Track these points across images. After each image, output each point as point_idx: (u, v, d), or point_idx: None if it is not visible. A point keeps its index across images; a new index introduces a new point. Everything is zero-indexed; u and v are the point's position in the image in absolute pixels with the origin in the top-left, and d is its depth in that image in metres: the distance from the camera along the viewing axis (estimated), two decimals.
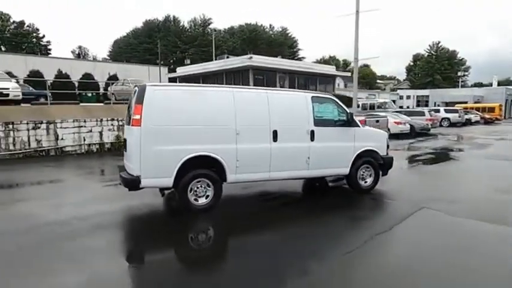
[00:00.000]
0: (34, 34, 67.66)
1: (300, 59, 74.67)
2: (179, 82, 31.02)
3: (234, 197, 6.77)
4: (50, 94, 16.36)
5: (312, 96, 6.62)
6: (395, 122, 19.52)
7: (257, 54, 36.98)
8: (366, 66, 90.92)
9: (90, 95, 22.92)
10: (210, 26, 70.80)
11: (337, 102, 6.85)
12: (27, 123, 11.58)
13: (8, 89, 13.14)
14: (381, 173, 7.23)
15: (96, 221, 5.34)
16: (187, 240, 4.87)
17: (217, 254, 4.50)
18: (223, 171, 5.79)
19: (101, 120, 13.10)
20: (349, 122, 6.78)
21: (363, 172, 7.06)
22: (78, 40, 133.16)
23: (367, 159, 7.05)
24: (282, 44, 73.21)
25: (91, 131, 12.81)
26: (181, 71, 32.84)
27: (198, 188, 5.67)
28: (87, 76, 30.94)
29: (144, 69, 48.48)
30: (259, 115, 6.05)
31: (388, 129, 19.18)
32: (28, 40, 66.33)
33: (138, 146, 5.29)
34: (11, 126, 11.31)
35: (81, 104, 16.04)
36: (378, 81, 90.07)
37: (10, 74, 30.83)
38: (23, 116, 11.77)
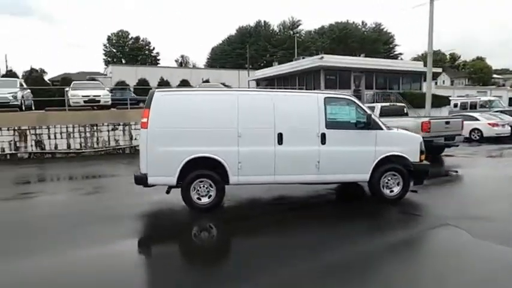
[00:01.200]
0: (146, 47, 77.63)
1: (396, 56, 69.41)
2: (258, 84, 32.09)
3: (243, 198, 6.86)
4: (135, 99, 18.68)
5: (326, 97, 6.27)
6: (489, 124, 16.78)
7: (347, 53, 35.76)
8: (480, 59, 79.43)
9: None
10: (298, 28, 71.04)
11: (355, 103, 6.35)
12: (108, 125, 13.55)
13: (100, 96, 15.54)
14: (412, 182, 6.44)
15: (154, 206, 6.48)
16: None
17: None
18: (226, 173, 5.94)
19: None
20: (369, 124, 6.20)
21: (388, 180, 6.38)
22: (181, 50, 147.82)
23: (393, 165, 6.35)
24: (376, 40, 69.02)
25: None
26: (259, 73, 33.79)
27: (200, 187, 5.94)
28: (184, 82, 34.30)
29: (234, 73, 51.31)
30: (263, 118, 6.02)
31: (475, 132, 16.65)
32: (142, 53, 76.40)
33: (145, 146, 5.82)
34: (95, 127, 13.39)
35: None
36: (495, 76, 77.68)
37: (123, 83, 36.14)
38: (106, 119, 13.80)
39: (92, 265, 4.11)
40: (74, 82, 18.04)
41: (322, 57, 24.32)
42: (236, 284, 3.61)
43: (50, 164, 11.88)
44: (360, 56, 33.08)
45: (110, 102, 16.04)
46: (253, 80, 33.22)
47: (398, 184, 6.42)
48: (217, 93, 6.36)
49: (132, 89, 32.92)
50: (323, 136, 6.11)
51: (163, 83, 34.82)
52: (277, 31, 74.42)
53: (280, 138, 6.01)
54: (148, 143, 5.80)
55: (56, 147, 12.90)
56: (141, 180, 5.86)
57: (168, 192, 6.08)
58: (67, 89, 15.88)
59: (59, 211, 6.39)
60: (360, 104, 6.37)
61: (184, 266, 4.33)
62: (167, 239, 5.04)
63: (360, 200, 7.08)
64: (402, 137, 6.56)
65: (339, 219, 5.82)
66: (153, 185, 5.98)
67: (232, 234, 5.26)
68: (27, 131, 12.55)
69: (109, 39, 73.89)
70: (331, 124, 6.18)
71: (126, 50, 74.97)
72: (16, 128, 12.45)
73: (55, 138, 12.86)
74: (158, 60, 77.60)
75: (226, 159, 5.90)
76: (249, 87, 31.18)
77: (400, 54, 73.24)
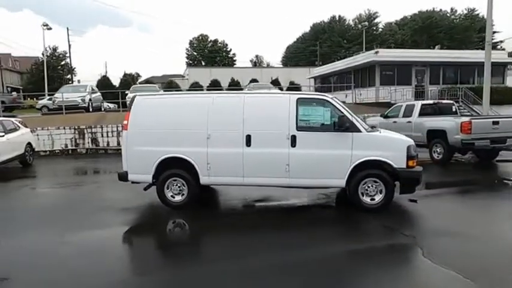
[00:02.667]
0: (224, 49, 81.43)
1: (494, 46, 60.56)
2: (315, 82, 31.30)
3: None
4: None
5: (299, 98, 6.02)
6: None
7: (431, 44, 32.38)
8: None
9: None
10: (375, 20, 66.88)
11: (331, 104, 5.95)
12: None
13: None
14: (395, 190, 5.83)
15: None
16: None
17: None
18: (196, 173, 6.15)
19: None
20: (343, 126, 5.77)
21: (369, 187, 5.87)
22: (257, 50, 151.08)
23: (373, 171, 5.82)
24: (467, 28, 61.20)
25: None
26: (316, 71, 32.87)
27: (173, 186, 6.27)
28: (253, 81, 35.40)
29: (305, 71, 50.73)
30: (232, 119, 6.06)
31: None
32: (220, 54, 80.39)
33: (125, 146, 6.36)
34: None
35: None
36: None
37: (197, 84, 38.80)
38: None
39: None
40: (133, 86, 20.08)
41: (377, 52, 22.56)
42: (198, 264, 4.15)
43: (102, 158, 13.52)
44: (435, 48, 29.87)
45: None
46: (311, 77, 32.49)
47: (380, 192, 5.86)
48: (191, 96, 6.61)
49: (206, 89, 35.18)
50: (293, 138, 5.90)
51: (234, 83, 36.42)
52: (353, 25, 71.19)
53: (248, 140, 5.98)
54: (128, 143, 6.33)
55: (108, 144, 14.61)
56: (123, 176, 6.42)
57: (145, 189, 6.51)
58: (127, 91, 17.77)
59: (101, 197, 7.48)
60: (336, 105, 5.95)
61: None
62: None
63: (341, 206, 6.67)
64: (384, 141, 5.94)
65: (310, 224, 5.57)
66: (134, 182, 6.49)
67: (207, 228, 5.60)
68: (85, 130, 14.48)
69: (191, 43, 79.32)
70: (303, 126, 5.92)
71: (206, 52, 79.66)
72: (76, 127, 14.46)
73: (107, 136, 14.58)
74: (234, 61, 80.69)
75: (196, 160, 6.11)
76: (309, 85, 30.61)
77: (500, 42, 63.76)
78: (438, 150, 10.54)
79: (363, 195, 5.89)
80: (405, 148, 5.79)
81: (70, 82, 56.82)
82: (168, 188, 6.29)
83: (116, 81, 42.38)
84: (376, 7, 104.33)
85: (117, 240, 5.12)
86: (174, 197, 6.30)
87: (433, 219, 5.68)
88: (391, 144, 5.88)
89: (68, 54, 53.39)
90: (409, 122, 11.71)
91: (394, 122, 12.51)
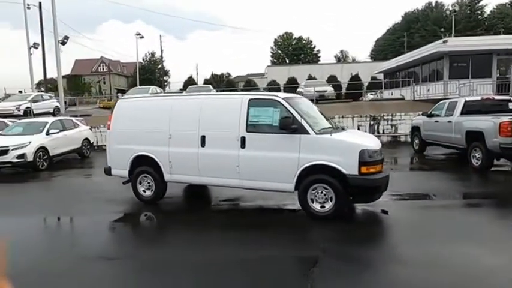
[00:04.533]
0: (308, 46, 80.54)
1: None
2: (383, 77, 28.78)
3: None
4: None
5: (250, 99, 5.91)
6: None
7: None
8: None
9: None
10: (480, 3, 57.96)
11: (281, 104, 5.67)
12: None
13: (326, 91, 19.74)
14: (347, 199, 5.33)
15: None
16: None
17: None
18: (161, 171, 6.56)
19: None
20: (292, 128, 5.46)
21: (318, 193, 5.46)
22: (343, 45, 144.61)
23: (322, 177, 5.40)
24: None
25: None
26: (385, 65, 30.01)
27: (144, 181, 6.80)
28: (331, 78, 34.69)
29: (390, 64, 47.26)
30: (190, 120, 6.27)
31: None
32: (304, 51, 79.82)
33: (108, 144, 7.13)
34: None
35: None
36: None
37: (274, 82, 39.75)
38: None
39: None
40: (189, 87, 21.58)
41: (445, 41, 19.52)
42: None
43: None
44: None
45: (332, 96, 20.08)
46: (380, 72, 29.94)
47: (331, 199, 5.41)
48: (159, 99, 7.01)
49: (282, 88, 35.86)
50: (243, 140, 5.83)
51: (291, 81, 36.03)
52: (451, 11, 63.12)
53: (203, 140, 6.13)
54: (110, 141, 7.10)
55: None
56: (107, 172, 7.20)
57: (124, 183, 7.14)
58: (184, 93, 19.25)
59: None
60: (287, 105, 5.65)
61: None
62: None
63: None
64: (334, 144, 5.38)
65: (253, 226, 5.51)
66: (116, 176, 7.22)
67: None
68: None
69: (275, 41, 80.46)
70: (253, 127, 5.80)
71: (290, 50, 79.92)
72: None
73: None
74: (319, 57, 79.15)
75: (160, 158, 6.51)
76: (378, 80, 28.37)
77: None
78: (477, 155, 8.94)
79: (312, 202, 5.52)
80: (357, 153, 5.21)
81: (165, 84, 63.62)
82: (140, 184, 6.84)
83: (201, 82, 46.14)
84: None
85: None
86: (145, 192, 6.82)
87: (387, 234, 5.04)
88: (340, 148, 5.34)
89: (164, 59, 59.91)
90: (450, 121, 10.17)
91: (436, 121, 11.02)
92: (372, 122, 15.14)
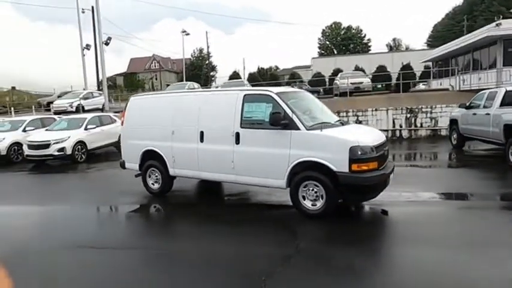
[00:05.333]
0: (358, 35, 77.31)
1: None
2: (432, 65, 26.59)
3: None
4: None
5: (245, 95, 5.88)
6: None
7: None
8: None
9: (379, 86, 23.32)
10: None
11: (273, 99, 5.56)
12: None
13: (362, 83, 19.12)
14: (336, 197, 5.12)
15: None
16: None
17: None
18: (166, 165, 6.82)
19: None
20: (282, 124, 5.33)
21: (309, 191, 5.30)
22: (396, 33, 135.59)
23: (312, 174, 5.23)
24: None
25: None
26: (435, 52, 27.53)
27: (152, 175, 7.12)
28: (380, 68, 33.26)
29: None
30: (191, 117, 6.42)
31: None
32: (353, 41, 76.82)
33: (122, 139, 7.56)
34: None
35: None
36: None
37: (319, 74, 39.24)
38: None
39: None
40: (224, 81, 21.86)
41: (499, 24, 17.28)
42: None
43: None
44: None
45: (368, 88, 19.26)
46: (428, 60, 27.65)
47: (322, 197, 5.23)
48: (165, 95, 7.21)
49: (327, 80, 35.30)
50: (237, 135, 5.84)
51: (336, 73, 34.82)
52: None
53: (201, 136, 6.25)
54: (123, 137, 7.52)
55: None
56: (122, 164, 7.65)
57: (136, 176, 7.51)
58: (218, 86, 19.64)
59: None
60: (279, 100, 5.52)
61: None
62: None
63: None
64: (323, 141, 5.14)
65: (249, 220, 5.57)
66: (129, 169, 7.62)
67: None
68: None
69: (323, 32, 78.38)
70: (247, 123, 5.78)
71: (338, 40, 77.39)
72: None
73: None
74: (369, 47, 75.73)
75: (165, 152, 6.76)
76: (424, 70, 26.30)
77: None
78: None
79: (304, 199, 5.38)
80: (347, 149, 4.96)
81: (212, 79, 65.30)
82: (149, 177, 7.18)
83: (246, 77, 46.69)
84: None
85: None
86: (153, 185, 7.15)
87: (376, 237, 4.75)
88: (329, 145, 5.10)
89: (211, 55, 61.47)
90: (488, 113, 9.22)
91: (474, 114, 10.05)
92: (408, 115, 14.16)
